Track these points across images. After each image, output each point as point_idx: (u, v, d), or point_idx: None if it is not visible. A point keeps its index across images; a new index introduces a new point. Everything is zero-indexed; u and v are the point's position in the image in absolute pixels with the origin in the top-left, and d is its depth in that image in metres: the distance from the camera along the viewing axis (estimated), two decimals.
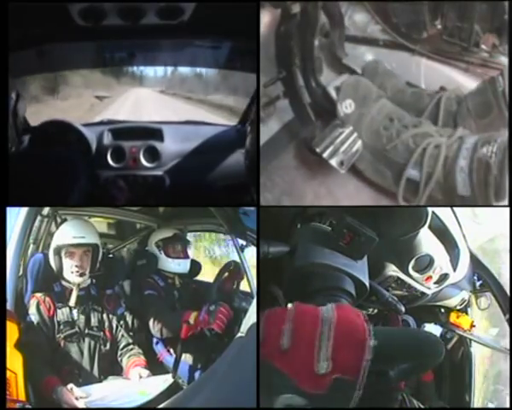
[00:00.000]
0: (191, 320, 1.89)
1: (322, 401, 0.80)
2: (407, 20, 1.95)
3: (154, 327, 2.06)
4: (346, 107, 1.66)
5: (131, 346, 1.92)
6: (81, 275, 1.85)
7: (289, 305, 0.91)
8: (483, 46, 1.84)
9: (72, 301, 1.84)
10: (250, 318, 1.09)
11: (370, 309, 1.75)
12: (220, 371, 1.11)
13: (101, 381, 1.78)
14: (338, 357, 0.79)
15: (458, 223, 1.72)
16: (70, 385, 1.58)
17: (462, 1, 1.80)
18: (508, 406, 2.02)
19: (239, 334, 1.10)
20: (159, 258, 2.33)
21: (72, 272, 1.85)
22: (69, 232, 1.88)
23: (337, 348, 0.79)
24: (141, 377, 1.77)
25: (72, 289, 1.86)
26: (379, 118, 1.65)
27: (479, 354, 2.24)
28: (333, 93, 1.69)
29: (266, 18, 1.88)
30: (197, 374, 1.94)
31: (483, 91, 1.67)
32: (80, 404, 1.54)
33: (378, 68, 1.87)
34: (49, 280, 1.88)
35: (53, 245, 1.88)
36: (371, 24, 2.06)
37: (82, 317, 1.84)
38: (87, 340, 1.82)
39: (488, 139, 1.50)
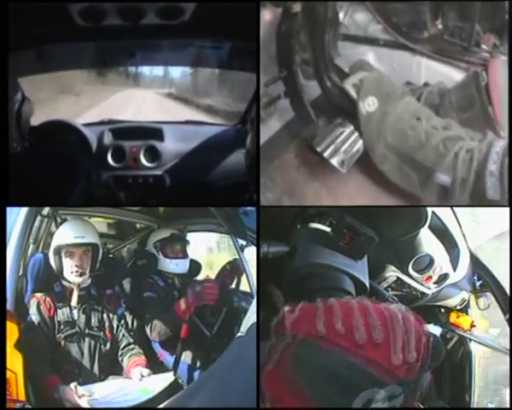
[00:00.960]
0: (183, 305, 1.95)
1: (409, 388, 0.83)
2: (408, 20, 1.95)
3: (152, 332, 2.04)
4: (369, 105, 1.56)
5: (132, 346, 1.92)
6: (81, 275, 1.85)
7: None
8: (484, 46, 1.84)
9: (73, 301, 1.85)
10: (250, 318, 1.08)
11: None
12: (220, 371, 1.11)
13: (102, 380, 1.78)
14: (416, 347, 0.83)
15: (458, 223, 1.72)
16: (73, 384, 1.59)
17: (462, 1, 1.80)
18: (508, 406, 2.02)
19: (239, 334, 1.10)
20: (158, 258, 2.33)
21: (72, 272, 1.85)
22: (69, 232, 1.88)
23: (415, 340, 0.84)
24: (142, 376, 1.77)
25: (72, 289, 1.86)
26: (405, 117, 1.56)
27: (479, 354, 2.24)
28: (351, 91, 1.59)
29: (267, 17, 1.88)
30: (197, 374, 1.94)
31: (466, 85, 1.65)
32: (83, 402, 1.54)
33: (364, 68, 1.85)
34: (49, 280, 1.89)
35: (53, 245, 1.88)
36: (372, 23, 2.06)
37: (82, 317, 1.84)
38: (87, 340, 1.83)
39: None
